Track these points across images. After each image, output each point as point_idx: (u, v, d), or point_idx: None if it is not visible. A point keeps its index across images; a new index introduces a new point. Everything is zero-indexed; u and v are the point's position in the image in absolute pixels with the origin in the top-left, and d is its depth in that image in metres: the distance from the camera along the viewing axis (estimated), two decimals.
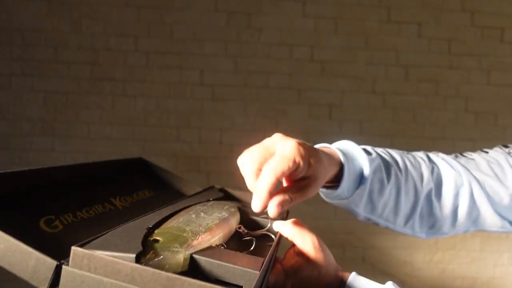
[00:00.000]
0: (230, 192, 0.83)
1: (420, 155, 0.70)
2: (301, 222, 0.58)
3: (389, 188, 0.62)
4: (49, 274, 0.34)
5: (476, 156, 0.70)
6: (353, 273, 0.55)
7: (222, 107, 2.20)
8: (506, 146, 0.71)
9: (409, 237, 2.25)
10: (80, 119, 2.18)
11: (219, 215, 0.56)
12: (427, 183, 0.65)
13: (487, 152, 0.71)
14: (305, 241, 0.53)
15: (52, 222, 0.40)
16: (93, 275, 0.34)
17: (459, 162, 0.67)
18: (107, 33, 2.18)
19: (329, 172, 0.54)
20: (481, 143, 2.19)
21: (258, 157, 0.48)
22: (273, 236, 0.58)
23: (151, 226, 0.46)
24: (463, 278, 2.26)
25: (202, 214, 0.55)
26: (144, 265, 0.36)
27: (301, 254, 0.53)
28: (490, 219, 0.65)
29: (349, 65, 2.24)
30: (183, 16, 2.20)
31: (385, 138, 2.23)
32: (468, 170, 0.66)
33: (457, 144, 2.22)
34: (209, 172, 2.19)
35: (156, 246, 0.41)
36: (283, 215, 0.67)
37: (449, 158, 0.69)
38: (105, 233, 0.41)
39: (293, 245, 0.55)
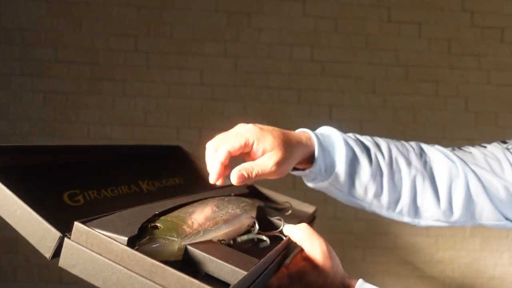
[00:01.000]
0: (259, 189, 0.82)
1: (411, 143, 0.70)
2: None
3: (371, 172, 0.62)
4: (53, 244, 0.38)
5: (474, 150, 0.70)
6: (360, 280, 0.55)
7: (222, 107, 2.21)
8: (505, 142, 0.71)
9: (410, 237, 2.26)
10: (80, 119, 2.18)
11: (231, 211, 0.56)
12: (416, 169, 0.64)
13: (485, 147, 0.71)
14: (313, 246, 0.53)
15: (75, 196, 0.42)
16: (89, 251, 0.36)
17: (455, 154, 0.67)
18: (107, 33, 2.18)
19: (297, 151, 0.57)
20: (481, 143, 2.19)
21: (218, 139, 0.56)
22: (284, 238, 0.57)
23: (157, 212, 0.47)
24: (463, 278, 2.26)
25: (214, 208, 0.55)
26: (137, 249, 0.38)
27: (308, 259, 0.53)
28: (486, 212, 0.65)
29: (349, 65, 2.24)
30: (183, 16, 2.20)
31: (385, 138, 2.23)
32: (465, 162, 0.65)
33: (457, 144, 2.21)
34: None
35: (154, 232, 0.42)
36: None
37: (445, 149, 0.69)
38: (112, 214, 0.43)
39: (301, 250, 0.54)
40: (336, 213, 2.22)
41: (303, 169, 0.62)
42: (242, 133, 0.55)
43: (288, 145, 0.56)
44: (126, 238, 0.37)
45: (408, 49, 2.25)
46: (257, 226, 0.57)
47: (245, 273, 0.40)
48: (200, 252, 0.41)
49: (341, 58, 2.24)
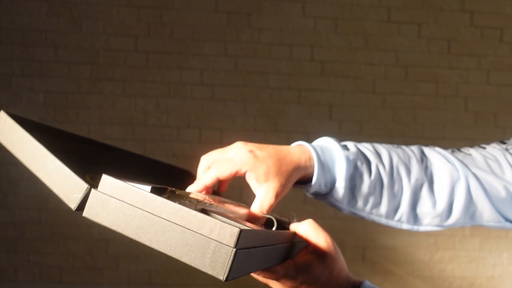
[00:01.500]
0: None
1: (412, 148, 0.70)
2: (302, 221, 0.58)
3: (371, 185, 0.62)
4: (80, 195, 0.41)
5: (473, 151, 0.70)
6: (367, 282, 0.56)
7: (222, 107, 2.21)
8: (504, 142, 0.71)
9: (409, 237, 2.26)
10: (80, 119, 2.18)
11: (243, 204, 0.59)
12: (417, 177, 0.65)
13: (484, 148, 0.71)
14: (319, 238, 0.54)
15: (97, 179, 0.45)
16: (114, 199, 0.39)
17: (456, 157, 0.67)
18: (107, 33, 2.19)
19: (295, 175, 0.58)
20: (481, 143, 2.19)
21: (212, 158, 0.58)
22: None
23: (174, 188, 0.50)
24: (462, 277, 2.26)
25: (227, 199, 0.58)
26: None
27: (314, 252, 0.54)
28: (487, 213, 0.65)
29: (349, 65, 2.24)
30: (183, 16, 2.20)
31: (385, 138, 2.23)
32: (466, 165, 0.66)
33: (457, 144, 2.22)
34: None
35: (172, 194, 0.45)
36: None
37: (445, 152, 0.69)
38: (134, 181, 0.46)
39: (307, 245, 0.56)
40: (336, 213, 2.22)
41: (303, 182, 0.62)
42: (236, 161, 0.55)
43: (284, 172, 0.57)
44: (150, 187, 0.41)
45: (408, 49, 2.25)
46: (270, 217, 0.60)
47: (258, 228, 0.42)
48: (216, 214, 0.43)
49: (341, 58, 2.24)
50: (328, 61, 2.24)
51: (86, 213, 0.41)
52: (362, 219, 0.68)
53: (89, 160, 0.59)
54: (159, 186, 0.43)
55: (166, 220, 0.37)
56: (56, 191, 0.44)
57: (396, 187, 0.64)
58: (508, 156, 0.67)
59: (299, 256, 0.54)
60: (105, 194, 0.40)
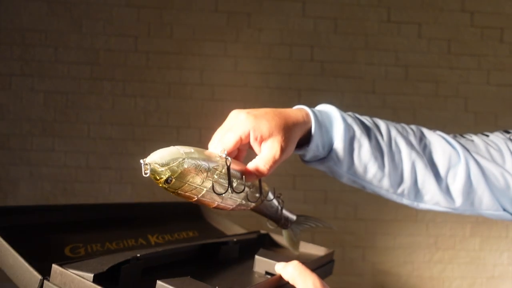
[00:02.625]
0: (273, 239, 0.81)
1: (411, 126, 0.69)
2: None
3: (371, 151, 0.61)
4: (35, 285, 0.43)
5: (476, 138, 0.69)
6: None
7: (222, 107, 2.21)
8: (508, 132, 0.70)
9: (409, 237, 2.26)
10: (80, 119, 2.18)
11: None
12: (416, 152, 0.63)
13: (487, 136, 0.70)
14: (306, 283, 0.50)
15: (77, 249, 0.48)
16: None
17: (457, 141, 0.66)
18: (107, 33, 2.19)
19: (296, 129, 0.57)
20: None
21: (215, 140, 0.57)
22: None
23: (139, 255, 0.49)
24: (462, 277, 2.26)
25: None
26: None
27: None
28: (485, 200, 0.64)
29: (349, 65, 2.24)
30: (183, 16, 2.20)
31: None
32: (467, 149, 0.65)
33: None
34: None
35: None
36: (280, 205, 0.66)
37: (446, 135, 0.68)
38: (94, 258, 0.47)
39: None
40: (336, 213, 2.22)
41: (301, 146, 0.61)
42: (236, 127, 0.55)
43: (285, 125, 0.56)
44: (92, 275, 0.42)
45: (408, 49, 2.25)
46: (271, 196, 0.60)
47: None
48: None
49: (341, 58, 2.24)
50: (328, 61, 2.24)
51: None
52: (362, 189, 0.66)
53: (77, 230, 0.60)
54: (109, 267, 0.44)
55: None
56: (17, 283, 0.46)
57: (397, 158, 0.63)
58: (511, 145, 0.66)
59: None
60: (55, 285, 0.42)
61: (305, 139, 0.59)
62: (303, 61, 2.23)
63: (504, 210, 0.65)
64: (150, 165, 0.44)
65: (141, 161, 0.44)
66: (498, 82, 2.27)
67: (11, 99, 2.17)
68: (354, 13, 2.24)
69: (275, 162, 0.54)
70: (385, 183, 0.63)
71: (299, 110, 0.60)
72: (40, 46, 2.17)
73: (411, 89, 2.26)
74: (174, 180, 0.44)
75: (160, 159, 0.44)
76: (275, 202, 0.64)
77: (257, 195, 0.58)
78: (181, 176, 0.45)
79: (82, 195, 2.15)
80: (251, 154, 0.58)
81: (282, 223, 0.67)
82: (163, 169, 0.44)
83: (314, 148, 0.59)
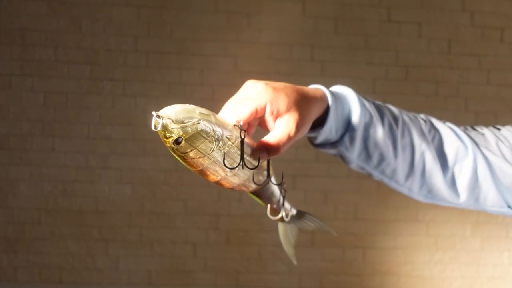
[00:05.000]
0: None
1: (422, 116, 0.67)
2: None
3: (384, 139, 0.59)
4: None
5: (487, 131, 0.67)
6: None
7: (222, 107, 2.20)
8: None
9: (409, 237, 2.26)
10: (80, 119, 2.18)
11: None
12: (426, 142, 0.62)
13: (499, 129, 0.68)
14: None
15: None
16: None
17: (468, 135, 0.65)
18: (107, 33, 2.18)
19: (313, 107, 0.54)
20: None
21: (228, 108, 0.53)
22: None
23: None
24: (463, 278, 2.26)
25: None
26: None
27: None
28: (491, 196, 0.64)
29: (349, 65, 2.24)
30: (183, 16, 2.20)
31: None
32: (476, 144, 0.64)
33: None
34: None
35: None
36: (282, 194, 0.62)
37: (457, 128, 0.66)
38: None
39: None
40: (336, 213, 2.22)
41: (314, 130, 0.58)
42: (253, 97, 0.52)
43: (304, 103, 0.53)
44: None
45: (408, 49, 2.25)
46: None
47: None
48: None
49: (341, 58, 2.24)
50: (328, 61, 2.24)
51: None
52: (369, 176, 0.64)
53: None
54: None
55: None
56: None
57: (407, 148, 0.61)
58: None
59: None
60: None
61: (318, 121, 0.57)
62: (303, 61, 2.23)
63: (509, 207, 0.65)
64: (162, 119, 0.39)
65: (154, 112, 0.39)
66: (498, 82, 2.27)
67: (11, 99, 2.17)
68: (354, 13, 2.24)
69: (289, 140, 0.50)
70: (395, 172, 0.62)
71: (316, 90, 0.58)
72: (39, 46, 2.17)
73: (411, 89, 2.26)
74: (183, 142, 0.40)
75: (174, 115, 0.40)
76: (277, 189, 0.59)
77: (261, 177, 0.54)
78: (192, 138, 0.41)
79: (82, 195, 2.15)
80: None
81: (280, 213, 0.62)
82: (175, 126, 0.40)
83: (327, 132, 0.57)
